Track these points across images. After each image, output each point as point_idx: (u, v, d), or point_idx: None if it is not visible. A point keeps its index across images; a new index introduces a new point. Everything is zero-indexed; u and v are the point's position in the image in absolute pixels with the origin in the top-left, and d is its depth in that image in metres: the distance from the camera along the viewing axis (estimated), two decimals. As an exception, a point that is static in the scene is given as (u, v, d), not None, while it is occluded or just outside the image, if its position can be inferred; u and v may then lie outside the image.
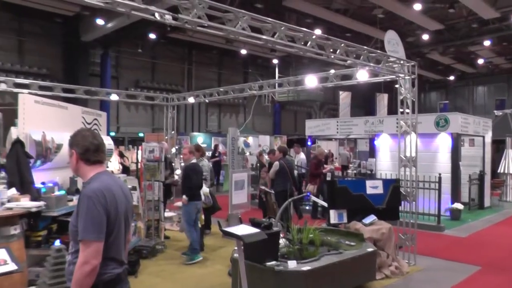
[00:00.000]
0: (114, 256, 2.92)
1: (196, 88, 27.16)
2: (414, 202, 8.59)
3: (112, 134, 23.36)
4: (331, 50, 7.32)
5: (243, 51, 29.35)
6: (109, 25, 21.71)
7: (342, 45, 7.40)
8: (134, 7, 5.02)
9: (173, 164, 11.18)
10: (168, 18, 5.35)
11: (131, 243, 8.10)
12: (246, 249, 4.87)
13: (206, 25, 5.55)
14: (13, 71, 24.38)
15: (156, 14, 5.31)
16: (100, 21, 21.38)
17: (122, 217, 2.94)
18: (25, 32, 25.16)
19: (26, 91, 10.58)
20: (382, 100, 30.52)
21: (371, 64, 8.08)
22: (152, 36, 25.71)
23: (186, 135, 25.14)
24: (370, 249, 6.86)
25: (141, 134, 26.48)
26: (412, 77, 8.64)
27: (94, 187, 2.83)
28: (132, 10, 5.16)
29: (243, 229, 4.67)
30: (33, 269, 5.65)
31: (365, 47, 8.01)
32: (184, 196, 8.20)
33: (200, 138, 23.66)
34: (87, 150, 2.96)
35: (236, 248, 5.30)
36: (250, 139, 25.03)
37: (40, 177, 6.34)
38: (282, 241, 6.33)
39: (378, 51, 8.31)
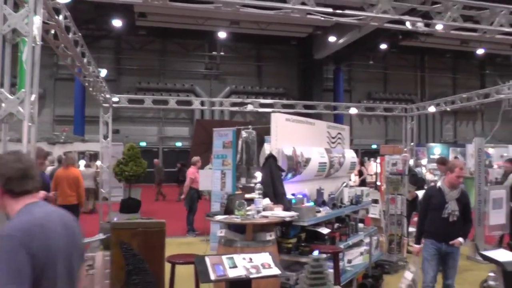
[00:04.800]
0: None
1: (430, 96, 26.13)
2: None
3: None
4: None
5: (480, 51, 27.12)
6: (341, 41, 22.35)
7: None
8: (387, 19, 5.03)
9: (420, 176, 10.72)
10: (420, 25, 5.23)
11: (374, 256, 8.09)
12: (506, 277, 4.42)
13: (461, 27, 5.26)
14: (253, 92, 27.00)
15: (407, 23, 5.23)
16: (332, 38, 22.14)
17: (60, 260, 2.24)
18: (263, 57, 27.62)
19: (269, 110, 11.46)
20: None
21: None
22: (383, 46, 25.56)
23: (423, 146, 24.28)
24: None
25: (374, 146, 26.44)
26: None
27: (15, 223, 2.19)
28: (385, 22, 5.18)
29: (504, 255, 4.26)
30: (284, 273, 6.04)
31: None
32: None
33: (437, 149, 22.59)
34: (9, 179, 2.29)
35: (491, 274, 4.86)
36: (491, 150, 22.96)
37: (290, 188, 6.73)
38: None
39: None
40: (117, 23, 22.83)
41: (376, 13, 4.84)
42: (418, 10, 5.41)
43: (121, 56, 28.65)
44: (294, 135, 7.13)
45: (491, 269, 4.72)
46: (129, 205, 12.76)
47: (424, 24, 5.23)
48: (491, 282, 5.13)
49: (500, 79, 24.71)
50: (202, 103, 13.86)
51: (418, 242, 5.94)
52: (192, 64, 28.74)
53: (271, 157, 6.52)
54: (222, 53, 28.36)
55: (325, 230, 6.61)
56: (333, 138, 8.62)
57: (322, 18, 4.80)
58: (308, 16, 4.71)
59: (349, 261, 7.52)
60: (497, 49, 27.37)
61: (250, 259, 4.20)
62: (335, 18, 4.75)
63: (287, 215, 5.86)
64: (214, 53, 28.50)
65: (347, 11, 4.86)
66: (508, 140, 28.69)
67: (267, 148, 6.96)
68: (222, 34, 25.27)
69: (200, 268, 4.03)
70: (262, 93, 27.26)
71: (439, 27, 5.22)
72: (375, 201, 9.14)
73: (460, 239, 5.56)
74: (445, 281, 5.78)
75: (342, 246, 6.91)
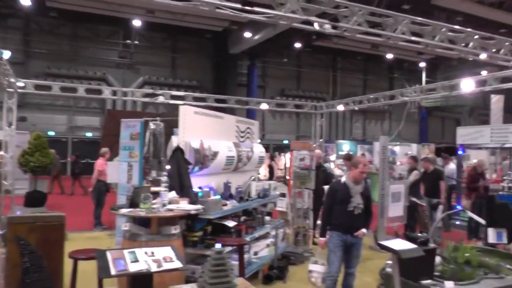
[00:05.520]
0: None
1: (341, 95, 27.05)
2: None
3: (258, 141, 24.14)
4: (493, 50, 6.81)
5: (389, 56, 28.54)
6: (256, 37, 22.58)
7: (507, 43, 6.85)
8: (295, 19, 5.13)
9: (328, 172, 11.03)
10: (328, 27, 5.39)
11: (280, 248, 8.27)
12: (401, 265, 4.67)
13: (366, 32, 5.49)
14: (167, 84, 26.63)
15: (316, 24, 5.37)
16: (247, 34, 22.30)
17: None
18: (178, 49, 27.28)
19: (181, 102, 11.35)
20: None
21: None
22: (297, 45, 26.09)
23: (332, 142, 25.11)
24: (537, 275, 6.18)
25: (285, 142, 26.99)
26: None
27: None
28: (293, 22, 5.28)
29: (399, 244, 4.50)
30: (189, 266, 6.03)
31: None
32: None
33: (346, 146, 23.45)
34: None
35: (389, 262, 5.12)
36: (397, 148, 24.20)
37: (197, 182, 6.71)
38: (436, 259, 5.98)
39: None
40: (25, 1, 21.43)
41: (284, 12, 4.93)
42: (330, 13, 5.56)
43: (30, 38, 26.98)
44: (202, 128, 7.12)
45: (389, 258, 4.97)
46: (34, 199, 12.03)
47: (332, 27, 5.39)
48: (388, 269, 5.38)
49: (407, 83, 26.13)
50: (114, 93, 13.49)
51: (323, 235, 6.10)
52: (105, 51, 27.74)
53: (178, 150, 6.47)
54: (136, 42, 27.62)
55: (231, 223, 6.66)
56: (242, 132, 8.69)
57: (232, 13, 4.81)
58: (217, 10, 4.71)
59: (256, 253, 7.64)
60: (404, 55, 28.91)
61: (152, 253, 4.15)
62: (244, 14, 4.78)
63: (193, 208, 5.84)
64: (128, 41, 27.70)
65: (256, 8, 4.91)
66: (413, 139, 30.43)
67: (175, 141, 6.89)
68: (137, 23, 24.61)
69: (101, 263, 3.92)
70: (176, 85, 26.92)
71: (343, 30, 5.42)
72: (283, 195, 9.34)
73: (364, 230, 5.86)
74: (347, 270, 6.03)
75: (248, 238, 7.00)
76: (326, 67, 31.88)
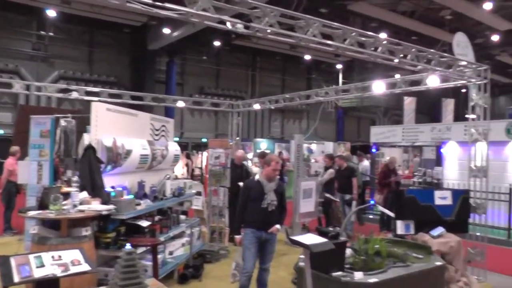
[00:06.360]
0: None
1: (260, 94, 27.35)
2: (484, 215, 8.22)
3: (176, 139, 23.87)
4: (401, 55, 7.16)
5: (307, 57, 29.23)
6: (175, 33, 22.31)
7: (413, 50, 7.23)
8: (207, 17, 5.11)
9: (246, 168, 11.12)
10: (240, 27, 5.42)
11: (195, 247, 8.25)
12: (313, 259, 4.81)
13: (277, 33, 5.57)
14: (83, 79, 25.62)
15: (228, 23, 5.38)
16: (166, 30, 22.00)
17: None
18: (95, 43, 26.31)
19: (96, 98, 11.00)
20: (449, 105, 29.48)
21: (442, 69, 7.83)
22: (216, 43, 26.04)
23: (250, 141, 25.33)
24: (438, 263, 6.58)
25: (204, 140, 26.89)
26: (484, 81, 8.31)
27: None
28: (205, 20, 5.26)
29: (311, 238, 4.63)
30: (101, 268, 5.90)
31: (435, 51, 7.79)
32: None
33: (263, 144, 23.74)
34: None
35: (301, 256, 5.25)
36: (314, 146, 24.88)
37: (110, 181, 6.54)
38: (347, 251, 6.21)
39: (448, 55, 8.05)
40: None
41: (196, 10, 4.91)
42: (246, 14, 5.60)
43: None
44: (115, 125, 6.94)
45: (302, 252, 5.11)
46: None
47: (244, 27, 5.44)
48: (301, 263, 5.52)
49: (325, 84, 26.79)
50: (27, 87, 12.84)
51: (238, 232, 6.15)
52: (17, 42, 26.00)
53: (90, 148, 6.27)
54: (51, 34, 26.24)
55: (145, 223, 6.55)
56: (157, 130, 8.57)
57: (143, 8, 4.72)
58: (128, 4, 4.59)
59: (171, 253, 7.58)
60: (322, 57, 29.68)
61: (60, 256, 4.00)
62: (155, 10, 4.70)
63: (104, 208, 5.69)
64: (42, 32, 26.31)
65: (167, 4, 4.84)
66: (330, 137, 31.36)
67: (86, 139, 6.68)
68: (51, 13, 23.46)
69: (3, 270, 3.71)
70: (92, 80, 25.87)
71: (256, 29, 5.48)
72: (199, 193, 9.31)
73: (277, 226, 5.99)
74: (262, 266, 6.12)
75: (162, 238, 6.93)
76: (246, 66, 32.07)
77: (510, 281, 8.16)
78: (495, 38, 24.62)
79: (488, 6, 19.86)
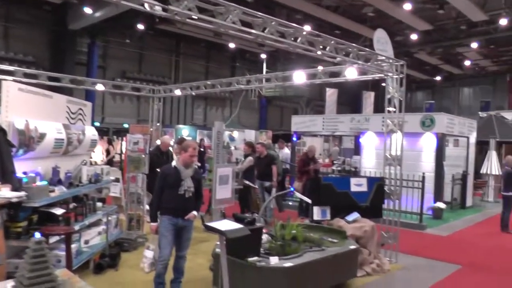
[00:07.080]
0: None
1: (183, 80, 27.00)
2: (397, 201, 8.65)
3: (97, 124, 23.13)
4: (321, 46, 7.31)
5: (232, 45, 29.24)
6: (97, 14, 21.53)
7: (332, 42, 7.40)
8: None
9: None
10: (158, 9, 5.31)
11: (112, 235, 8.07)
12: (229, 244, 4.84)
13: (196, 17, 5.50)
14: (-1, 58, 24.04)
15: (146, 5, 5.26)
16: (88, 10, 21.14)
17: None
18: (12, 18, 24.76)
19: (10, 78, 10.42)
20: (369, 98, 30.61)
21: (360, 62, 8.09)
22: (140, 26, 25.43)
23: (172, 127, 25.03)
24: (352, 246, 6.88)
25: (126, 125, 26.22)
26: (401, 76, 8.69)
27: None
28: (122, 0, 5.10)
29: (226, 224, 4.66)
30: (12, 260, 5.56)
31: (354, 44, 8.02)
32: None
33: (185, 131, 23.55)
34: None
35: (218, 243, 5.27)
36: (236, 134, 25.00)
37: (22, 166, 6.22)
38: (264, 237, 6.32)
39: (367, 49, 8.33)
40: None
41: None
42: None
43: None
44: (28, 107, 6.60)
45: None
46: None
47: (162, 9, 5.33)
48: (217, 250, 5.54)
49: (249, 73, 26.85)
50: None
51: (155, 220, 6.07)
52: None
53: (0, 131, 5.95)
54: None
55: (59, 211, 6.30)
56: (73, 113, 8.26)
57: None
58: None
59: (86, 242, 7.35)
60: (246, 46, 29.74)
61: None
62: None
63: (15, 195, 5.39)
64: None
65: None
66: (253, 126, 31.58)
67: (-4, 121, 6.31)
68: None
69: None
70: (8, 58, 24.21)
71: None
72: (116, 180, 9.08)
73: (194, 213, 5.94)
74: (178, 253, 6.06)
75: (78, 226, 6.70)
76: (169, 51, 31.53)
77: (418, 261, 8.68)
78: (414, 37, 25.98)
79: (408, 6, 20.93)
